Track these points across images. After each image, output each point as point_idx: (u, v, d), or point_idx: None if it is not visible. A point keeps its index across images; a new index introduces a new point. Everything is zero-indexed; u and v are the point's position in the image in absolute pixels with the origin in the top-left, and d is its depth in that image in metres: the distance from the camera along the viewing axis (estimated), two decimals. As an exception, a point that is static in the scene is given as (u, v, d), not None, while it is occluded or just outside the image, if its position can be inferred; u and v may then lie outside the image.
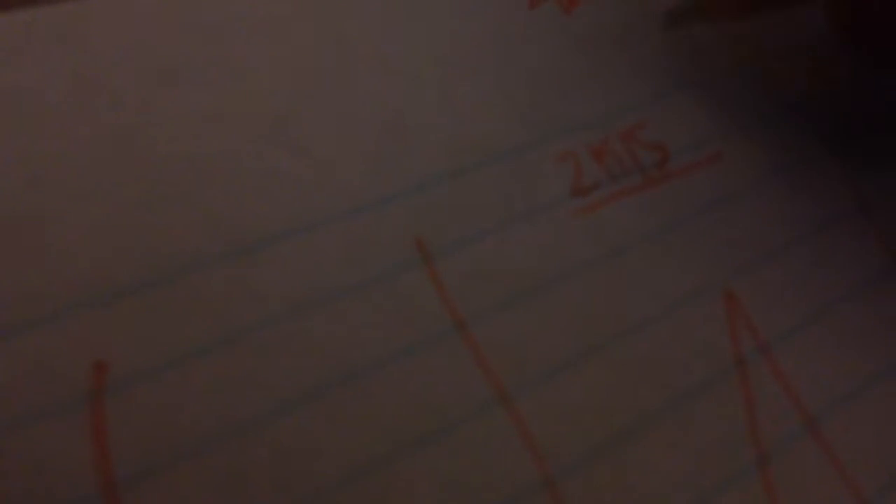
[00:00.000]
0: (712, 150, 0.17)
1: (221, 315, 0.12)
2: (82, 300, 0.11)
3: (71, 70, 0.13)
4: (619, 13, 0.18)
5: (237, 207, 0.13)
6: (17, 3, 0.14)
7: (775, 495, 0.12)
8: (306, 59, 0.15)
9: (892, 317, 0.15)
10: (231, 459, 0.11)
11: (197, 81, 0.14)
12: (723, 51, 0.18)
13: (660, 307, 0.14)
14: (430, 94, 0.15)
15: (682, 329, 0.14)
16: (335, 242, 0.13)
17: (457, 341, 0.12)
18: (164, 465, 0.10)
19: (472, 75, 0.16)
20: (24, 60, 0.13)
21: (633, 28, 0.18)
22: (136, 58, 0.14)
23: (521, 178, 0.15)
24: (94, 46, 0.14)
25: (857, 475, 0.13)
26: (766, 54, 0.19)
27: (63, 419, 0.10)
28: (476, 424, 0.12)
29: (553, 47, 0.17)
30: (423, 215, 0.14)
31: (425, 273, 0.13)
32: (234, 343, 0.11)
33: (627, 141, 0.16)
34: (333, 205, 0.13)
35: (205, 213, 0.13)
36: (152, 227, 0.12)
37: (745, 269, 0.15)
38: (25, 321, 0.11)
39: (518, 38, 0.17)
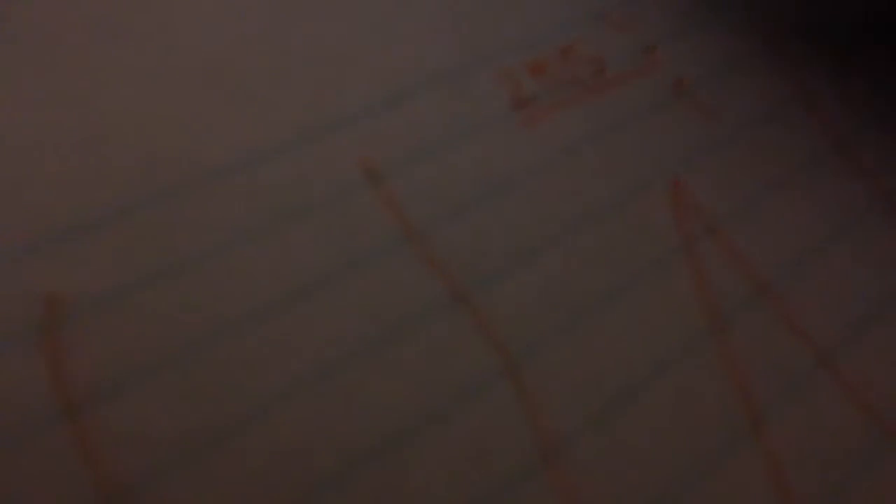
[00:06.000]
0: (651, 59, 0.17)
1: (170, 245, 0.12)
2: (33, 238, 0.11)
3: (11, 32, 0.14)
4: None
5: (181, 149, 0.13)
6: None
7: (733, 359, 0.12)
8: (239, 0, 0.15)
9: (832, 192, 0.15)
10: (189, 375, 0.11)
11: (133, 36, 0.14)
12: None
13: (608, 199, 0.14)
14: (368, 20, 0.16)
15: (630, 216, 0.14)
16: (282, 172, 0.13)
17: (408, 250, 0.13)
18: (124, 386, 0.10)
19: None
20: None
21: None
22: (76, 17, 0.14)
23: (462, 97, 0.15)
24: (36, 7, 0.14)
25: (814, 330, 0.13)
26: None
27: (20, 348, 0.10)
28: (435, 325, 0.12)
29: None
30: (369, 139, 0.14)
31: (376, 194, 0.13)
32: (185, 270, 0.12)
33: (565, 57, 0.16)
34: (278, 138, 0.14)
35: (149, 153, 0.13)
36: (99, 169, 0.12)
37: (693, 158, 0.15)
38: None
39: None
